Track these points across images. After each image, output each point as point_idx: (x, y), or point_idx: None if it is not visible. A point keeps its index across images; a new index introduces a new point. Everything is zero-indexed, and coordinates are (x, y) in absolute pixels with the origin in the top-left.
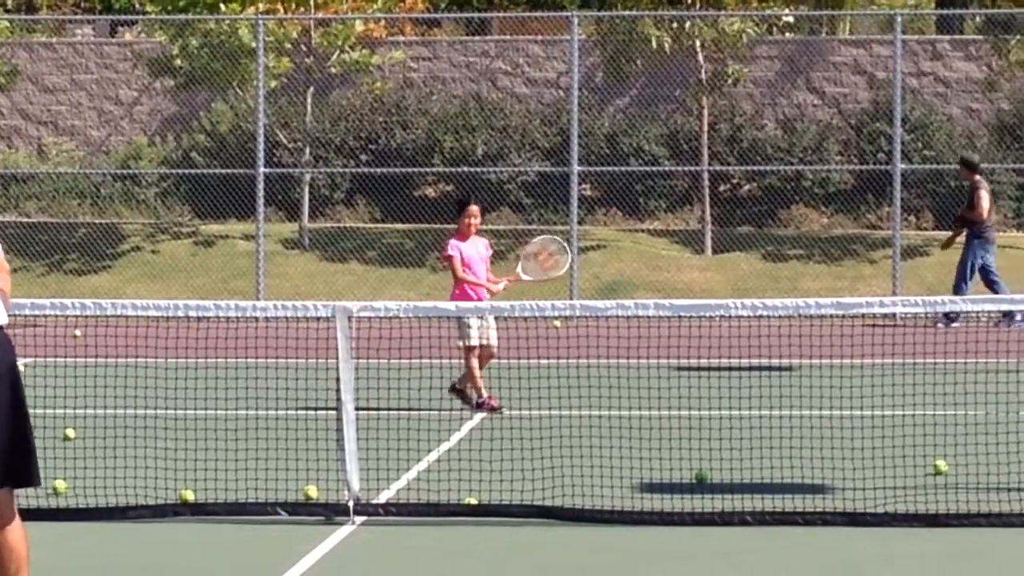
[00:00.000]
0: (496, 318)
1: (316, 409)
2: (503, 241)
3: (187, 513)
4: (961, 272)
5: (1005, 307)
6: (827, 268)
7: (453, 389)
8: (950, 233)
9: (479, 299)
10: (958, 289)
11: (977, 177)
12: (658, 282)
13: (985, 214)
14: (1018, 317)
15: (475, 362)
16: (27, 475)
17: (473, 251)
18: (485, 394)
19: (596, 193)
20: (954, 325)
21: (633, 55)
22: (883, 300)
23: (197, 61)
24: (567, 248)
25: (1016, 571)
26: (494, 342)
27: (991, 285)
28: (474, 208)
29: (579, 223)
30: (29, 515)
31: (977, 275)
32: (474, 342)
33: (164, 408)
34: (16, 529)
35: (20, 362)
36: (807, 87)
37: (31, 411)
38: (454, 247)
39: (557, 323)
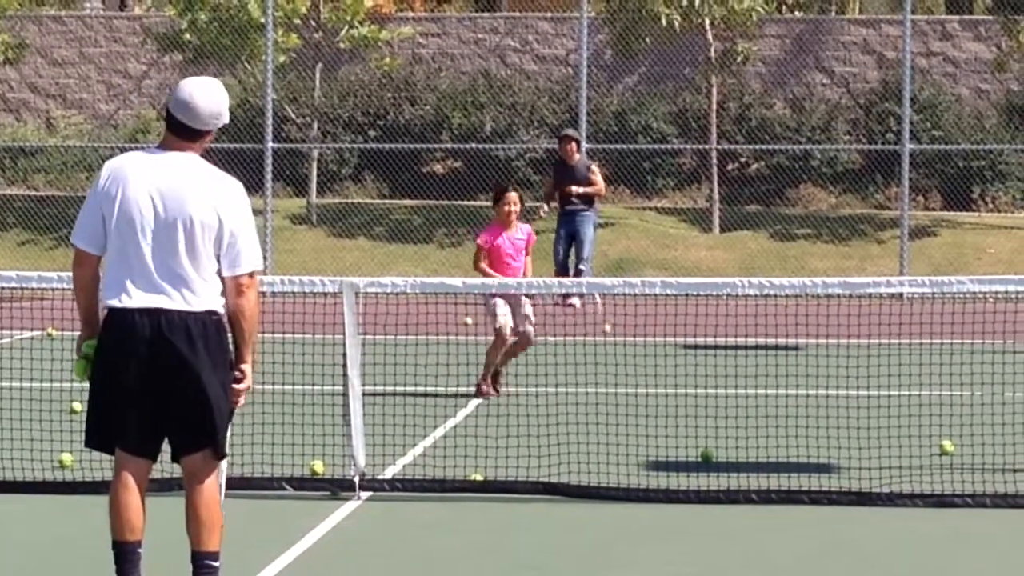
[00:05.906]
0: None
1: (323, 384)
2: None
3: None
4: (589, 249)
5: (566, 290)
6: (835, 247)
7: (479, 391)
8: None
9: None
10: (583, 265)
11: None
12: (665, 260)
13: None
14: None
15: (498, 344)
16: (207, 442)
17: (506, 240)
18: (486, 380)
19: (604, 171)
20: (575, 302)
21: (642, 33)
22: (890, 280)
23: (206, 36)
24: None
25: (1022, 552)
26: (529, 328)
27: (567, 263)
28: (512, 195)
29: None
30: (36, 488)
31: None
32: (499, 323)
33: None
34: (201, 493)
35: (28, 334)
36: (816, 66)
37: (43, 384)
38: (483, 237)
39: (575, 301)
